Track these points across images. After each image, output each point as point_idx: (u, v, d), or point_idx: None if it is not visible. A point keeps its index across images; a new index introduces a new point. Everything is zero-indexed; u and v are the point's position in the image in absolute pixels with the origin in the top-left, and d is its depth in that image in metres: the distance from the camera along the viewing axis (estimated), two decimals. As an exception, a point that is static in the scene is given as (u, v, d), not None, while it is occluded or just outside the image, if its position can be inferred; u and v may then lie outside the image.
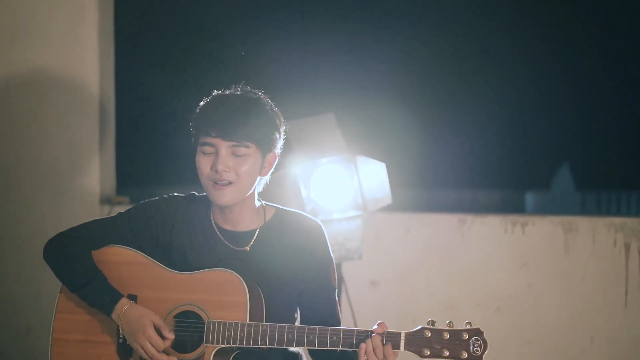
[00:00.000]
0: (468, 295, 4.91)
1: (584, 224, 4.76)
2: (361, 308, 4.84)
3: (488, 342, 2.85)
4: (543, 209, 11.47)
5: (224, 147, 2.94)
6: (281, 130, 3.06)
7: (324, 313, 3.07)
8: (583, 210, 11.55)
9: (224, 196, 2.96)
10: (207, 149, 2.97)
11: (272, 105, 3.07)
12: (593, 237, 4.73)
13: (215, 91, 3.07)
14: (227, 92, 3.05)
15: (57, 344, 3.13)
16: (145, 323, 2.94)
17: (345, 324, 3.01)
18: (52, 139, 5.42)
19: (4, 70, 5.46)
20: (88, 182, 5.38)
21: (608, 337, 4.75)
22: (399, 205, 5.69)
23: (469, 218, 4.90)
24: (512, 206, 11.35)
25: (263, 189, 3.16)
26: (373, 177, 4.44)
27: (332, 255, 3.13)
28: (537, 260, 4.82)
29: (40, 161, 5.43)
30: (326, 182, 4.41)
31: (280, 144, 3.08)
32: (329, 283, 3.10)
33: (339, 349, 2.87)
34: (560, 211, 11.22)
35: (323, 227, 3.12)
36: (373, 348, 2.83)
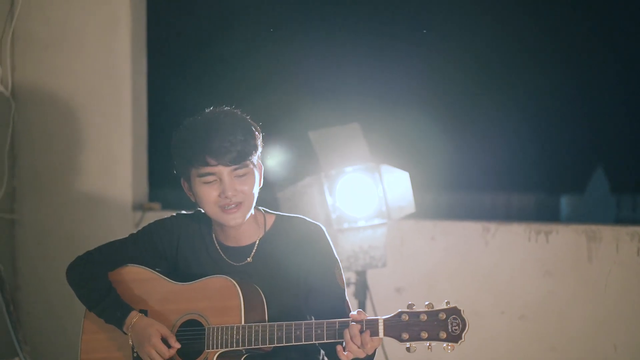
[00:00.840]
0: (492, 302, 4.89)
1: (607, 232, 4.72)
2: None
3: (468, 321, 2.77)
4: (578, 213, 11.39)
5: (226, 172, 2.97)
6: (260, 138, 3.07)
7: (334, 315, 3.01)
8: (619, 213, 11.45)
9: (237, 218, 3.00)
10: (209, 178, 2.98)
11: (245, 115, 3.07)
12: (616, 245, 4.70)
13: (188, 118, 3.07)
14: (204, 117, 3.04)
15: None
16: (151, 333, 3.01)
17: (370, 330, 3.01)
18: (86, 146, 5.45)
19: (38, 78, 5.50)
20: (121, 189, 5.43)
21: (631, 345, 4.72)
22: (433, 208, 5.70)
23: (493, 226, 4.90)
24: (547, 210, 11.28)
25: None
26: (397, 185, 4.47)
27: (336, 256, 3.12)
28: (560, 269, 4.80)
29: (74, 168, 5.47)
30: (351, 191, 4.45)
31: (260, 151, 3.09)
32: (335, 284, 3.09)
33: (324, 341, 2.85)
34: (596, 215, 11.14)
35: (324, 229, 3.12)
36: (350, 337, 2.81)
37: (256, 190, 3.05)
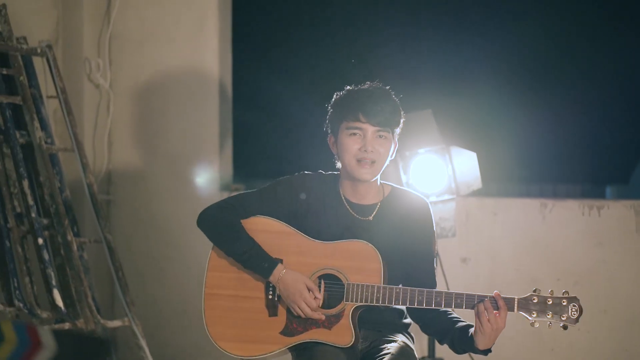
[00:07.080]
0: (549, 270, 5.18)
1: (653, 207, 5.00)
2: (454, 281, 5.16)
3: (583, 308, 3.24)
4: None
5: (370, 131, 3.39)
6: (402, 120, 3.51)
7: (425, 275, 3.50)
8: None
9: (368, 173, 3.41)
10: (355, 131, 3.40)
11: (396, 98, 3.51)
12: (661, 219, 5.00)
13: (348, 86, 3.49)
14: (363, 86, 3.48)
15: (209, 297, 3.50)
16: (301, 287, 3.38)
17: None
18: (178, 134, 5.76)
19: (134, 72, 5.84)
20: (209, 172, 5.72)
21: (673, 305, 5.01)
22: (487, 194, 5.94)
23: (550, 202, 5.19)
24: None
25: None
26: (465, 165, 4.83)
27: (434, 228, 3.56)
28: (611, 240, 5.08)
29: (167, 153, 5.77)
30: (423, 170, 4.82)
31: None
32: (431, 252, 3.54)
33: (462, 309, 3.31)
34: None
35: (430, 205, 3.56)
36: (485, 308, 3.28)
37: (387, 158, 3.46)
